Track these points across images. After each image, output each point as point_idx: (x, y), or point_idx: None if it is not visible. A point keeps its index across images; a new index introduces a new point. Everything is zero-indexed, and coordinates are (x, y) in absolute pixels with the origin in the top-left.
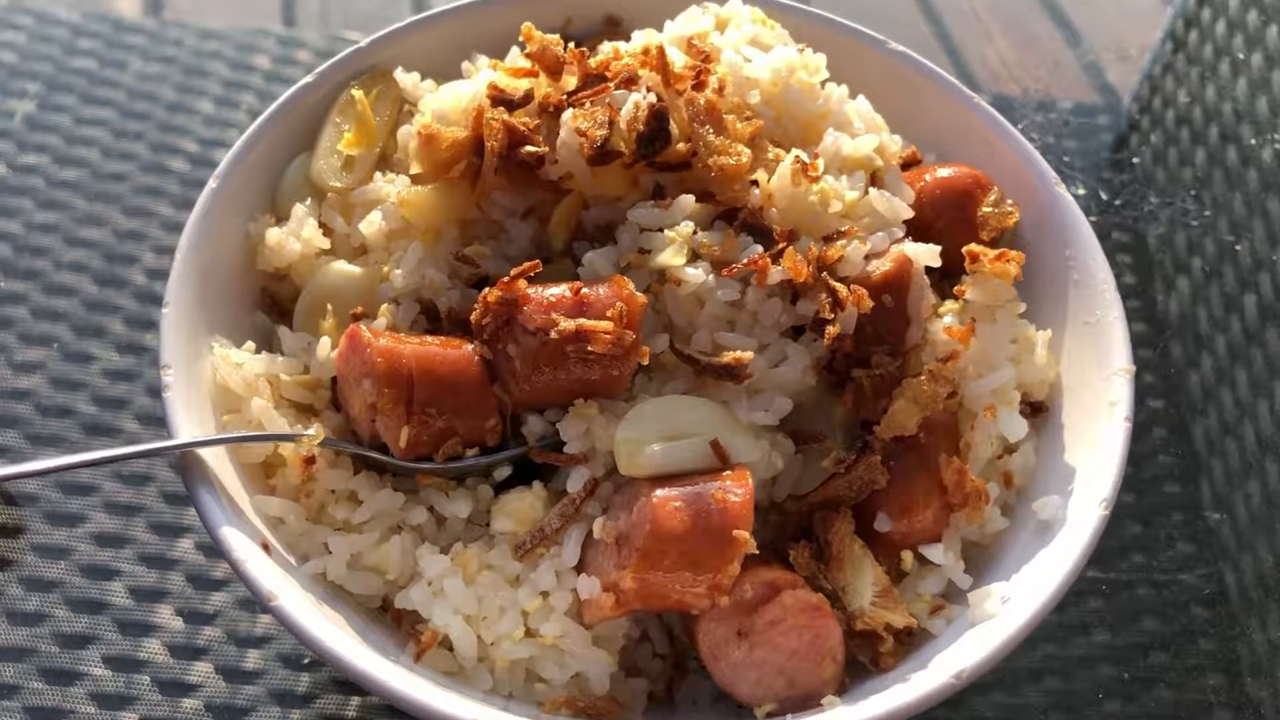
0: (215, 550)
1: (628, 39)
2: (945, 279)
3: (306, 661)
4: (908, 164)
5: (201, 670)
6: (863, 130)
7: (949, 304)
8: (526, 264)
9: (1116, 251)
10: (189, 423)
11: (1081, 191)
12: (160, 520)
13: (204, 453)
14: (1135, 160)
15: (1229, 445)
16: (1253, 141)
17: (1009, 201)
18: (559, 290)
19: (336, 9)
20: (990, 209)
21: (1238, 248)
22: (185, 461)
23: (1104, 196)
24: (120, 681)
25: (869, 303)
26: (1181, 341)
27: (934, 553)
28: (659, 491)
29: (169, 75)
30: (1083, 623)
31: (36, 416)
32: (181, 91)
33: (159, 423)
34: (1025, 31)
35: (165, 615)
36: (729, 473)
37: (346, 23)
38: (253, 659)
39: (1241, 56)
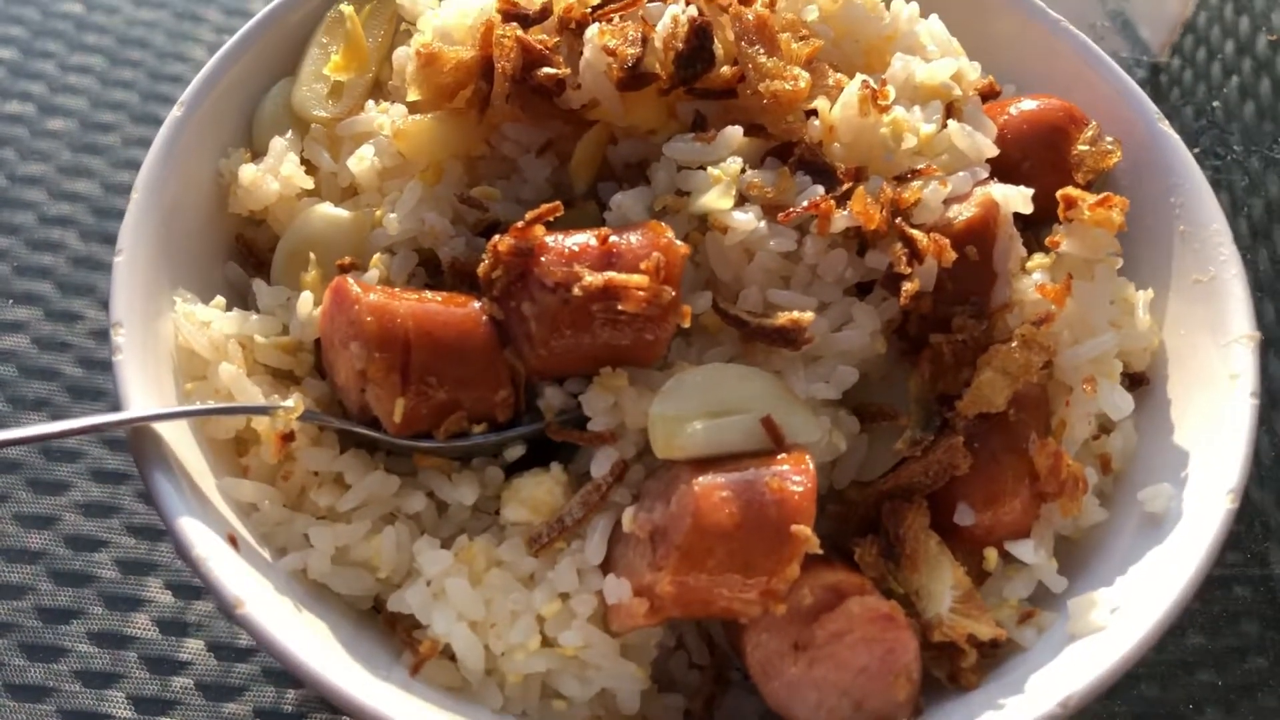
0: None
1: None
2: (1034, 228)
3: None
4: (985, 96)
5: (192, 647)
6: (937, 54)
7: (1039, 258)
8: (544, 207)
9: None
10: (144, 393)
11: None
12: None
13: (161, 428)
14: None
15: None
16: None
17: (1108, 138)
18: (583, 238)
19: None
20: (1086, 147)
21: None
22: (137, 438)
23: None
24: (106, 659)
25: (951, 254)
26: None
27: (1023, 550)
28: (702, 478)
29: (160, 21)
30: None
31: (19, 378)
32: (173, 38)
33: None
34: None
35: (154, 589)
36: (785, 456)
37: None
38: (246, 635)
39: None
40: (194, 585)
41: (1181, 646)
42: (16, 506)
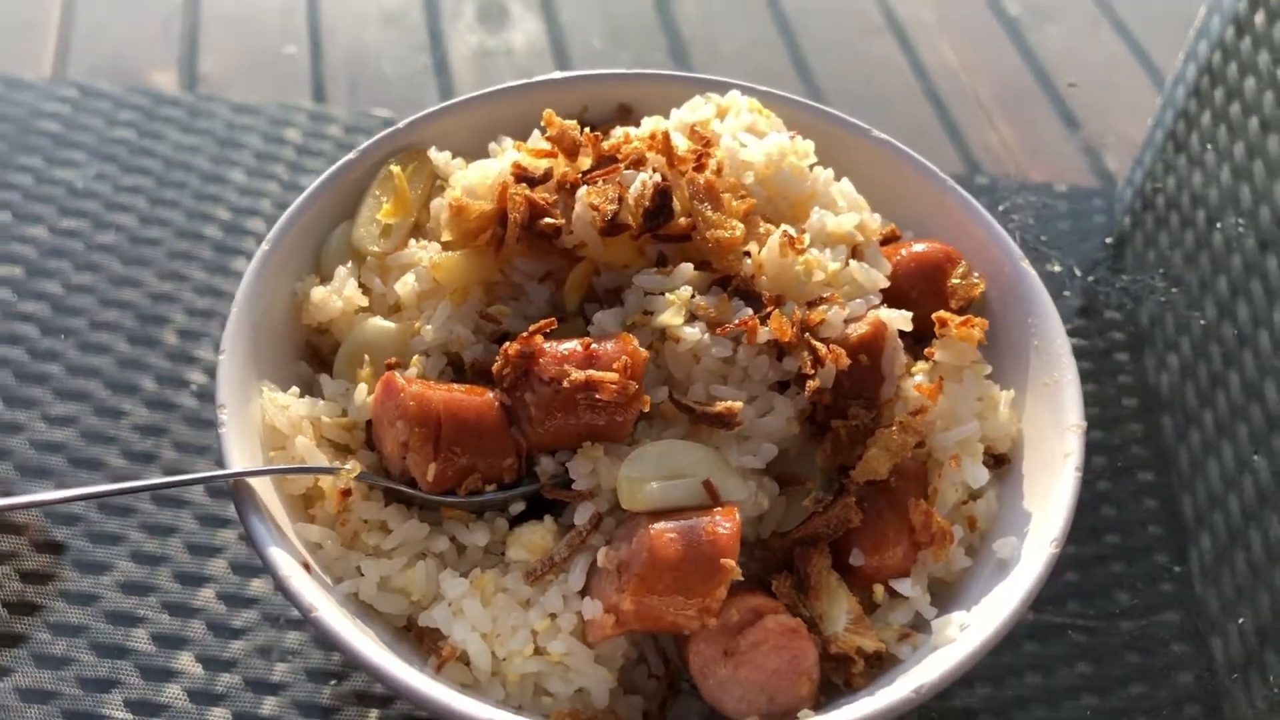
0: (256, 571)
1: (638, 125)
2: (919, 342)
3: (324, 704)
4: (888, 239)
5: (219, 715)
6: (846, 209)
7: (920, 364)
8: (543, 321)
9: (1110, 329)
10: (241, 455)
11: (1078, 273)
12: (182, 570)
13: (253, 482)
14: (1128, 243)
15: (1215, 517)
16: (1239, 227)
17: (975, 274)
18: (571, 345)
19: (364, 86)
20: (959, 280)
21: (1222, 330)
22: (237, 489)
23: (1091, 276)
24: (208, 678)
25: (846, 361)
26: (1172, 415)
27: (903, 586)
28: (656, 524)
29: (204, 146)
30: (1071, 685)
31: (68, 469)
32: (216, 162)
33: (181, 471)
34: (1025, 116)
35: (186, 661)
36: (719, 509)
37: (373, 99)
38: (269, 705)
39: (1225, 147)
40: (222, 659)
41: (1017, 653)
42: (132, 546)
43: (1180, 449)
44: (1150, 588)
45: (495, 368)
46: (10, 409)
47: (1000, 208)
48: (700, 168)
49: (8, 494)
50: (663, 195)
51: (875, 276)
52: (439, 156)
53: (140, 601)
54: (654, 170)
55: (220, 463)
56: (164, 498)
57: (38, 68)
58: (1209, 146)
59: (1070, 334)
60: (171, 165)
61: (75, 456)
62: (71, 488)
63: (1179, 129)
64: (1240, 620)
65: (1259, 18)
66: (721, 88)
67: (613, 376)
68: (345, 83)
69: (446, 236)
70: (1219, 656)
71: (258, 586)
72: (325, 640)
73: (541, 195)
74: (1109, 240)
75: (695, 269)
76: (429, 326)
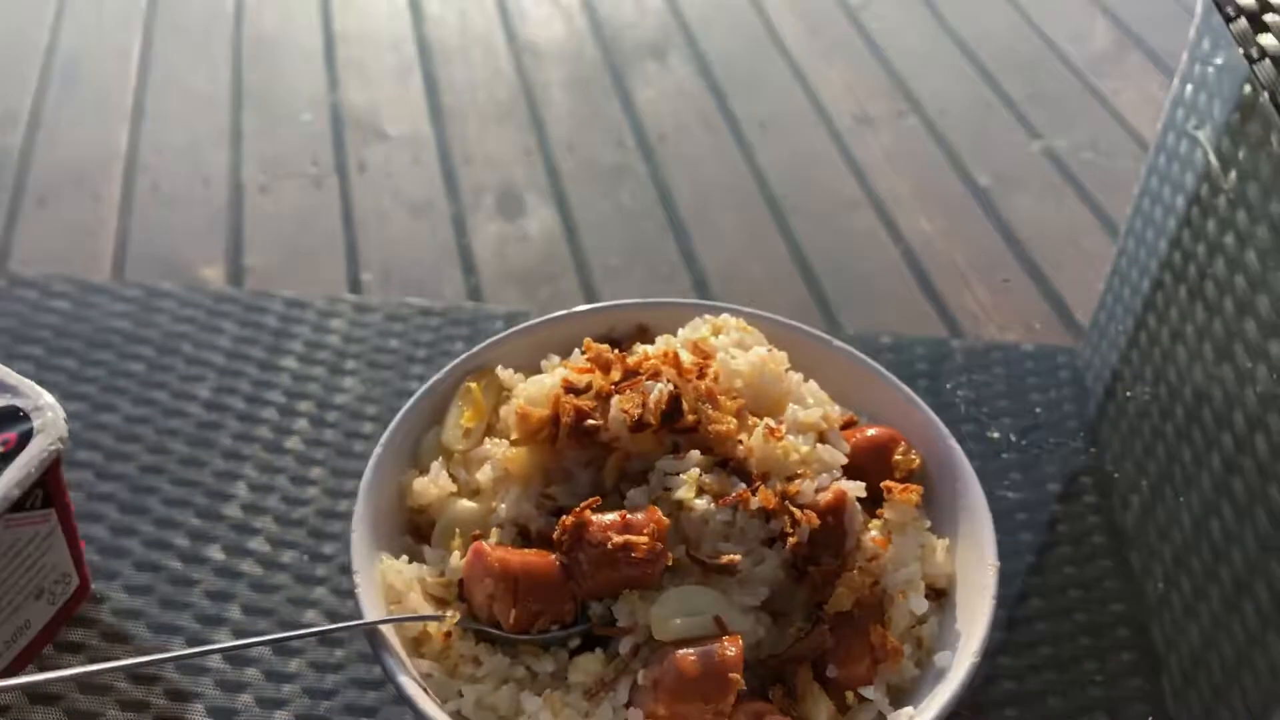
0: (368, 711)
1: (652, 341)
2: (873, 504)
3: None
4: (846, 425)
5: None
6: (813, 404)
7: (875, 521)
8: (590, 500)
9: (1080, 474)
10: (372, 609)
11: (1051, 439)
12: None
13: (383, 628)
14: (1092, 404)
15: (1181, 644)
16: (1205, 424)
17: (914, 451)
18: (612, 516)
19: (396, 272)
20: (900, 456)
21: (1181, 498)
22: (373, 634)
23: (1025, 440)
24: None
25: (817, 521)
26: (1139, 552)
27: (868, 692)
28: (681, 650)
29: (260, 338)
30: None
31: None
32: (271, 352)
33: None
34: (997, 279)
35: None
36: (727, 638)
37: (406, 285)
38: None
39: (1192, 330)
40: None
41: None
42: (255, 692)
43: (1147, 582)
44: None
45: (555, 535)
46: (95, 581)
47: (961, 378)
48: (701, 376)
49: (140, 652)
50: (674, 400)
51: (837, 455)
52: (504, 373)
53: None
54: (668, 380)
55: (355, 615)
56: (279, 648)
57: (99, 267)
58: (1127, 318)
59: (1008, 488)
60: (232, 357)
61: (153, 622)
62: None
63: (1114, 283)
64: None
65: (1220, 201)
66: (715, 310)
67: (644, 539)
68: (378, 270)
69: (514, 435)
70: None
71: None
72: None
73: (585, 402)
74: (1077, 402)
75: (701, 454)
76: (503, 506)
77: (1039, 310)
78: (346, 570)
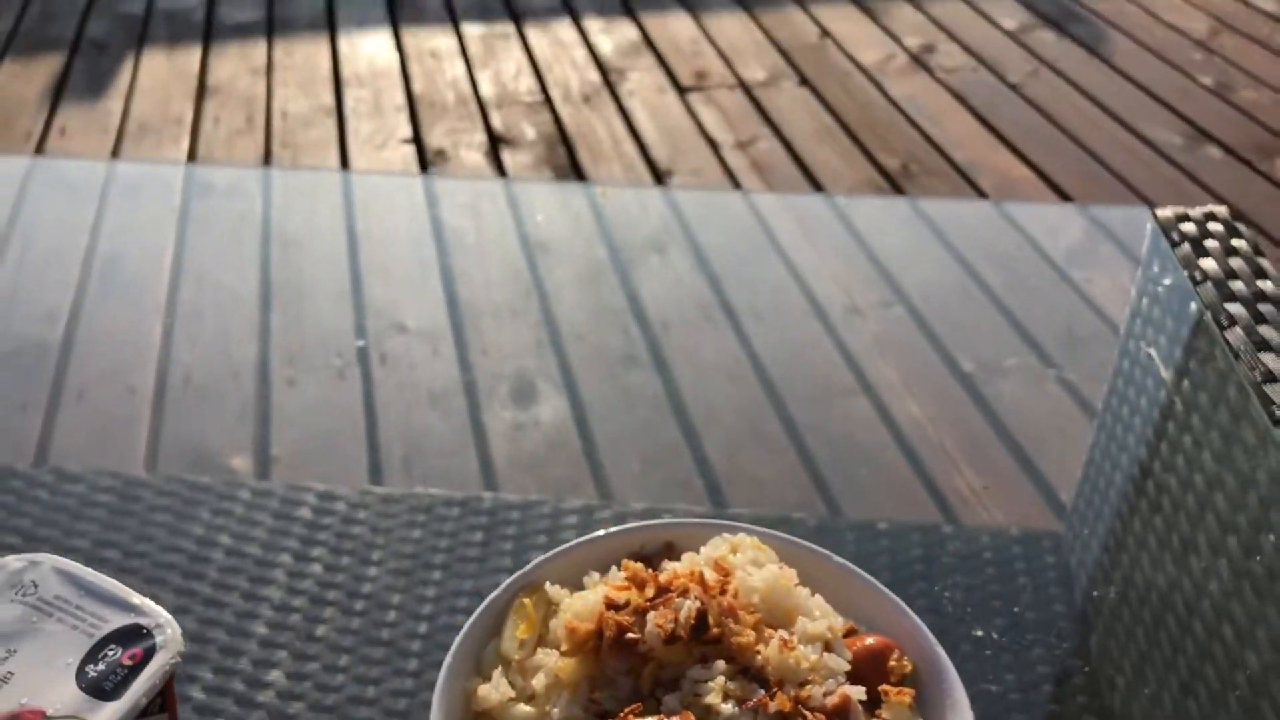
0: None
1: (679, 557)
2: (872, 706)
3: None
4: (848, 634)
5: None
6: (819, 616)
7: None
8: (632, 705)
9: (1074, 654)
10: None
11: (1034, 634)
12: None
13: None
14: (1078, 591)
15: None
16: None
17: (906, 658)
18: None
19: (416, 462)
20: (894, 662)
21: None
22: None
23: (1004, 638)
24: None
25: None
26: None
27: None
28: None
29: (294, 530)
30: None
31: None
32: (305, 543)
33: None
34: (984, 462)
35: None
36: None
37: (424, 474)
38: None
39: (1160, 522)
40: None
41: None
42: None
43: None
44: None
45: None
46: None
47: (952, 578)
48: (723, 592)
49: None
50: (701, 616)
51: (841, 663)
52: (552, 589)
53: None
54: (695, 597)
55: None
56: None
57: (134, 458)
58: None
59: (991, 682)
60: (268, 549)
61: None
62: None
63: (1090, 471)
64: None
65: (1177, 404)
66: (733, 529)
67: None
68: (399, 460)
69: (564, 647)
70: None
71: None
72: None
73: (624, 618)
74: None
75: (725, 663)
76: (555, 710)
77: (1025, 492)
78: None
